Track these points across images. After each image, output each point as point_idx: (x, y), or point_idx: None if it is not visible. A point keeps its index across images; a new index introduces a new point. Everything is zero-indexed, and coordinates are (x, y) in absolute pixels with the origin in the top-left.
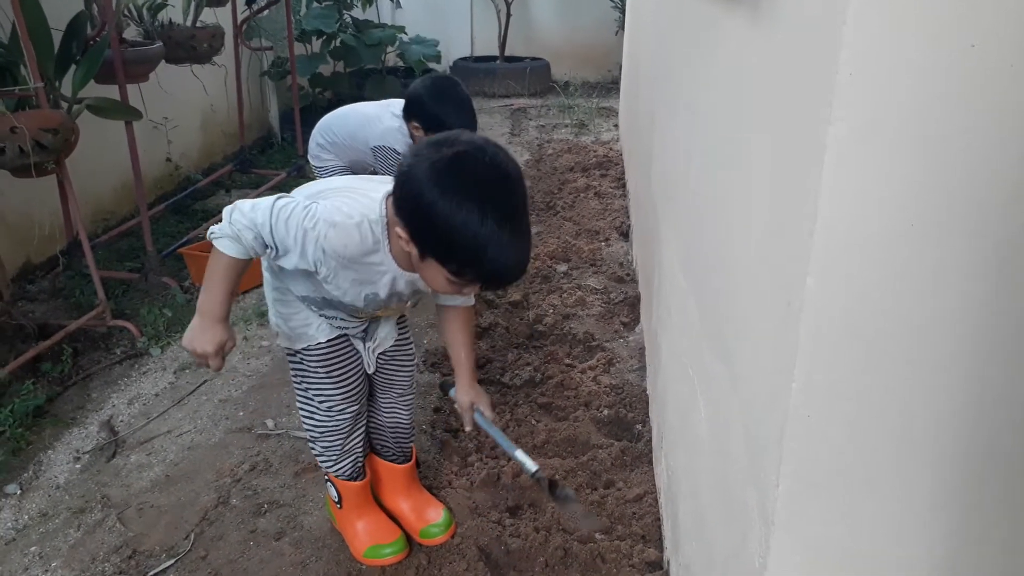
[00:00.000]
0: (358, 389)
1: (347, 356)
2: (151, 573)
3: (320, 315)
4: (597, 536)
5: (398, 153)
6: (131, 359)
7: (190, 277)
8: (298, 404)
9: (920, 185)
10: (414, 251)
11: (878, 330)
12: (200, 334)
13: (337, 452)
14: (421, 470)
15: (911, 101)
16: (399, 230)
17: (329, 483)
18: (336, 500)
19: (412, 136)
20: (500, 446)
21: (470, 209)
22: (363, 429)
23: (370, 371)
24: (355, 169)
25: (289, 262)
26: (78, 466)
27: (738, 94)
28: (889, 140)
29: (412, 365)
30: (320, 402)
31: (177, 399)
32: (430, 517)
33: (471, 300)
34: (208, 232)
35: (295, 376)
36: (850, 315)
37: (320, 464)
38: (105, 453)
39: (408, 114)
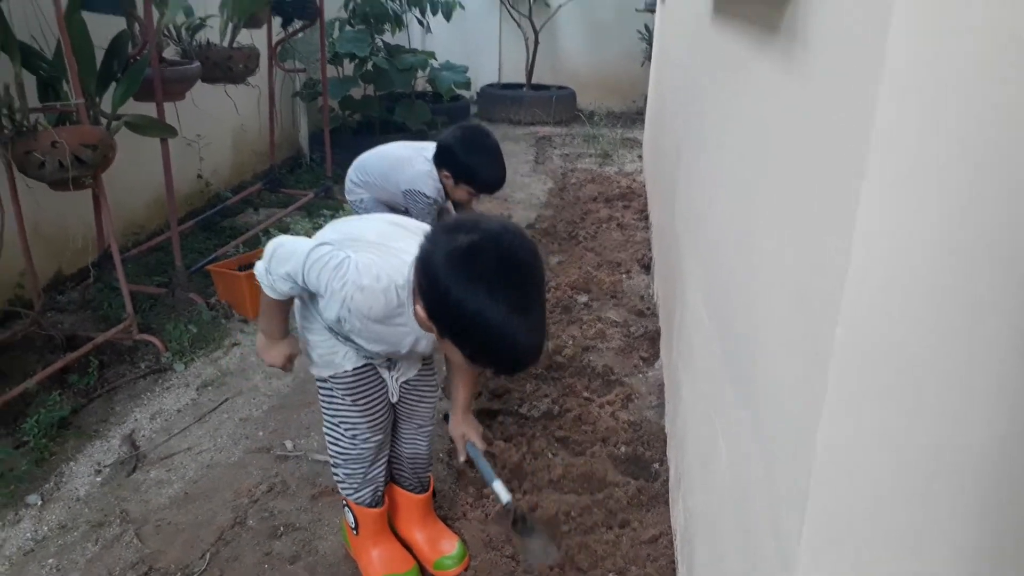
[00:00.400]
0: (383, 418)
1: (373, 385)
2: None
3: (346, 344)
4: None
5: (428, 197)
6: (155, 374)
7: (216, 294)
8: (324, 429)
9: (952, 241)
10: (434, 328)
11: (907, 386)
12: (270, 350)
13: (359, 479)
14: (437, 500)
15: (944, 158)
16: (419, 308)
17: (347, 508)
18: (353, 526)
19: (442, 183)
20: (483, 475)
21: (482, 299)
22: (386, 458)
23: (393, 400)
24: (387, 205)
25: (322, 310)
26: (99, 479)
27: (767, 137)
28: (921, 196)
29: (434, 396)
30: (346, 429)
31: (199, 416)
32: (444, 549)
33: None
34: (255, 269)
35: (322, 401)
36: (879, 370)
37: (340, 489)
38: (126, 467)
39: (439, 162)
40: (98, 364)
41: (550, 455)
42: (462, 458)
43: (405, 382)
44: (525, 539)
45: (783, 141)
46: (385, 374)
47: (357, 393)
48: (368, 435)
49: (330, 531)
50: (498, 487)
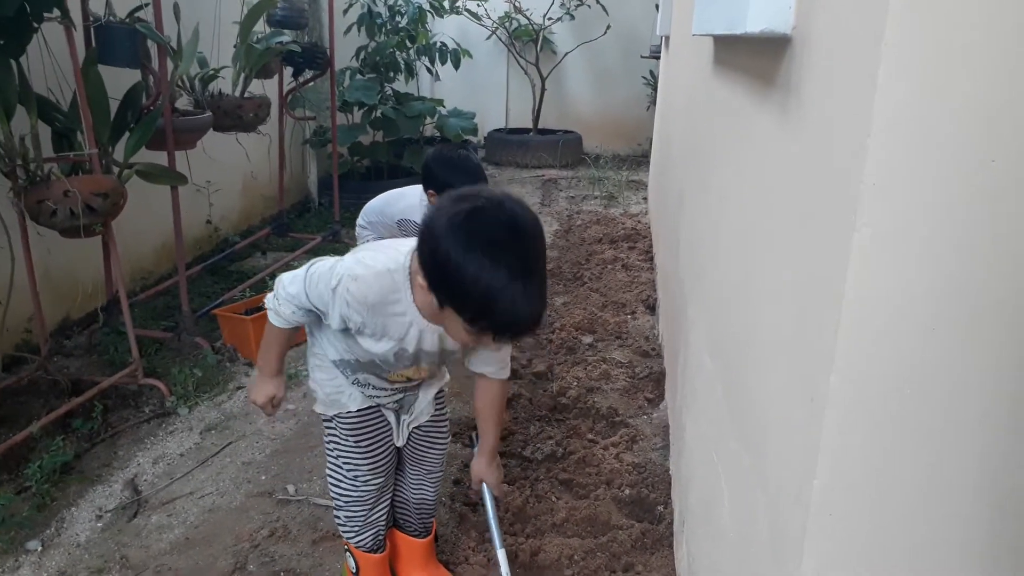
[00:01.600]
0: (386, 462)
1: (377, 428)
2: None
3: (353, 382)
4: None
5: (418, 224)
6: (159, 418)
7: (222, 338)
8: (327, 470)
9: (942, 290)
10: (434, 300)
11: (900, 431)
12: (256, 386)
13: (360, 523)
14: (439, 544)
15: (933, 211)
16: (420, 279)
17: (348, 553)
18: (354, 571)
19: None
20: (488, 519)
21: (483, 261)
22: (388, 502)
23: (399, 443)
24: None
25: (330, 320)
26: (100, 524)
27: (766, 186)
28: (912, 247)
29: (445, 443)
30: (348, 470)
31: (201, 460)
32: None
33: (506, 372)
34: (265, 300)
35: (327, 441)
36: (872, 415)
37: (341, 533)
38: (127, 512)
39: (425, 185)
40: (102, 409)
41: (554, 498)
42: (475, 487)
43: (417, 428)
44: None
45: (780, 191)
46: (393, 418)
47: (360, 433)
48: (369, 477)
49: None
50: (501, 558)
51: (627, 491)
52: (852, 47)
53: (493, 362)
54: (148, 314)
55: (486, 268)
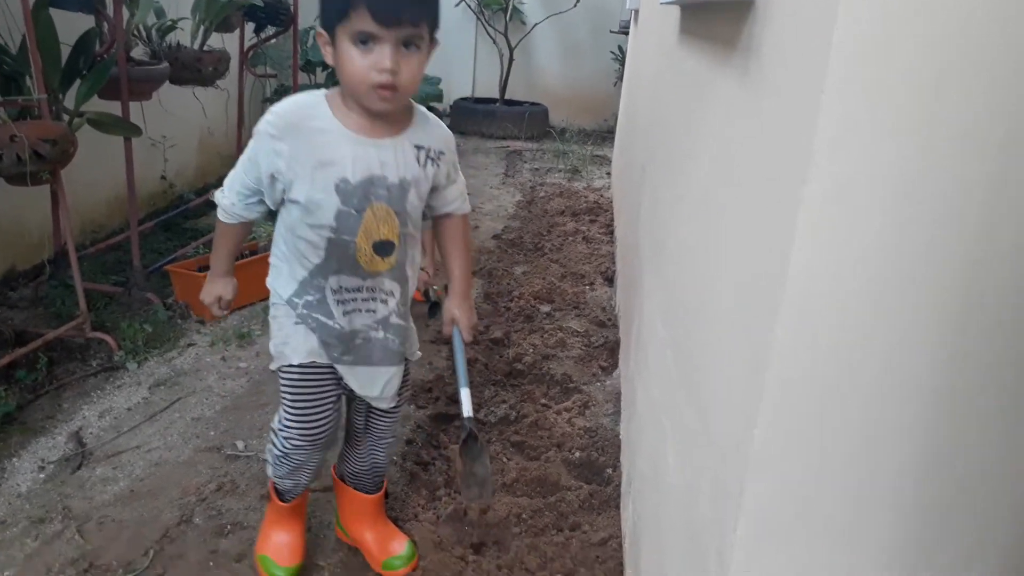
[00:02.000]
0: (320, 433)
1: (318, 394)
2: None
3: (312, 317)
4: None
5: None
6: (107, 372)
7: (174, 294)
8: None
9: (889, 246)
10: (329, 48)
11: (842, 384)
12: (205, 287)
13: (284, 471)
14: (388, 501)
15: (884, 166)
16: (320, 42)
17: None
18: (268, 496)
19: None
20: (456, 372)
21: None
22: (316, 468)
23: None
24: None
25: (267, 195)
26: (42, 476)
27: (724, 152)
28: (861, 202)
29: (398, 419)
30: (282, 428)
31: (149, 415)
32: (393, 549)
33: (467, 205)
34: (214, 196)
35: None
36: (815, 368)
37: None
38: (71, 464)
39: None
40: (47, 361)
41: (505, 459)
42: (446, 333)
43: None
44: (468, 463)
45: (739, 155)
46: (348, 374)
47: (298, 393)
48: (299, 443)
49: None
50: (464, 396)
51: (577, 454)
52: (811, 6)
53: (455, 197)
54: (98, 268)
55: None
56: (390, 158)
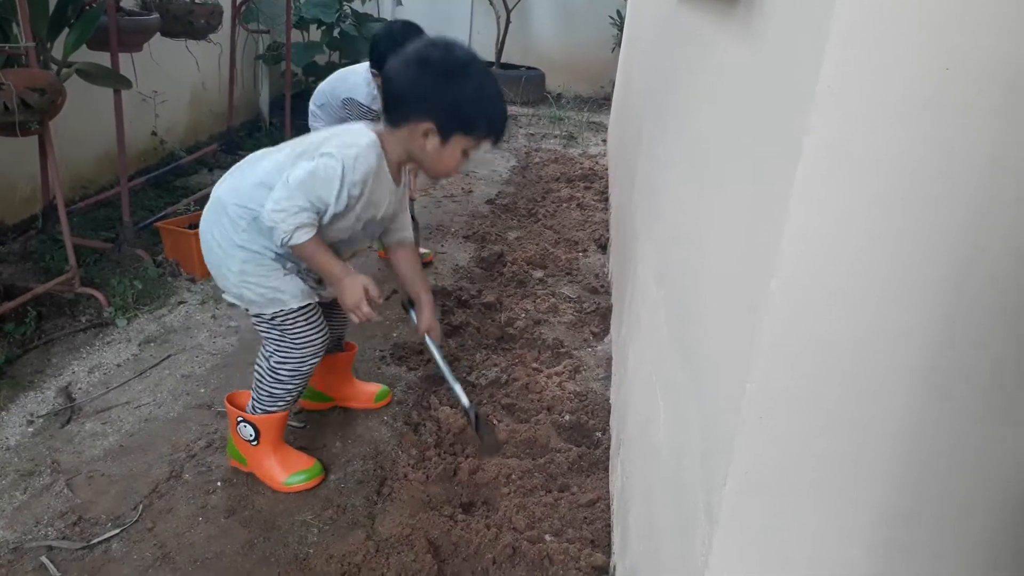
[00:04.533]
0: (321, 351)
1: (316, 322)
2: (95, 540)
3: (297, 275)
4: (547, 538)
5: (362, 105)
6: (96, 328)
7: (164, 251)
8: (257, 364)
9: (888, 200)
10: (435, 141)
11: (837, 339)
12: (348, 293)
13: (281, 399)
14: (377, 460)
15: (886, 118)
16: (423, 126)
17: (243, 425)
18: (252, 438)
19: (377, 88)
20: (442, 372)
21: (476, 83)
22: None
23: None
24: None
25: (334, 207)
26: (31, 429)
27: (724, 107)
28: (862, 154)
29: None
30: (285, 362)
31: (139, 371)
32: (374, 389)
33: (410, 235)
34: (285, 240)
35: (265, 339)
36: (810, 322)
37: (254, 403)
38: (60, 419)
39: (372, 63)
40: (36, 315)
41: (495, 421)
42: (418, 338)
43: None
44: (483, 437)
45: (736, 109)
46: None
47: (300, 327)
48: (314, 360)
49: (267, 487)
50: (458, 390)
51: (567, 417)
52: None
53: (404, 227)
54: (87, 224)
55: (486, 87)
56: (399, 197)
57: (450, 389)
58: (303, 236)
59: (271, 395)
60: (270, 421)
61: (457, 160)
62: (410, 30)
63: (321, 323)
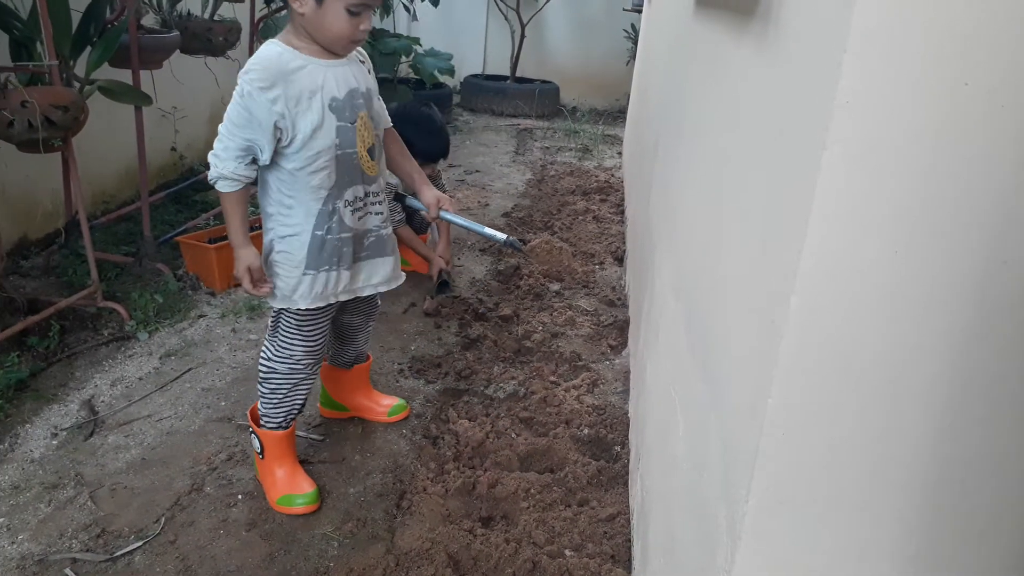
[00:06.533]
0: (322, 348)
1: (322, 324)
2: (118, 553)
3: (336, 239)
4: (567, 553)
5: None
6: (118, 341)
7: (184, 265)
8: (263, 349)
9: (907, 213)
10: (310, 5)
11: (858, 352)
12: (239, 262)
13: (277, 400)
14: (396, 473)
15: (904, 131)
16: (295, 3)
17: (253, 436)
18: (259, 450)
19: None
20: (469, 229)
21: None
22: (309, 387)
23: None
24: None
25: (267, 148)
26: (55, 442)
27: (741, 120)
28: (881, 167)
29: (378, 304)
30: (285, 350)
31: (160, 384)
32: (390, 402)
33: (387, 120)
34: (209, 179)
35: (273, 324)
36: (831, 336)
37: (259, 409)
38: (83, 432)
39: None
40: (59, 329)
41: (513, 435)
42: (433, 218)
43: (362, 300)
44: (532, 253)
45: (754, 120)
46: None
47: (304, 328)
48: (308, 360)
49: None
50: (490, 231)
51: (586, 431)
52: None
53: (384, 109)
54: (109, 239)
55: None
56: (351, 73)
57: (491, 237)
58: (224, 187)
59: (266, 401)
60: (271, 438)
61: (343, 20)
62: (418, 109)
63: (324, 326)
